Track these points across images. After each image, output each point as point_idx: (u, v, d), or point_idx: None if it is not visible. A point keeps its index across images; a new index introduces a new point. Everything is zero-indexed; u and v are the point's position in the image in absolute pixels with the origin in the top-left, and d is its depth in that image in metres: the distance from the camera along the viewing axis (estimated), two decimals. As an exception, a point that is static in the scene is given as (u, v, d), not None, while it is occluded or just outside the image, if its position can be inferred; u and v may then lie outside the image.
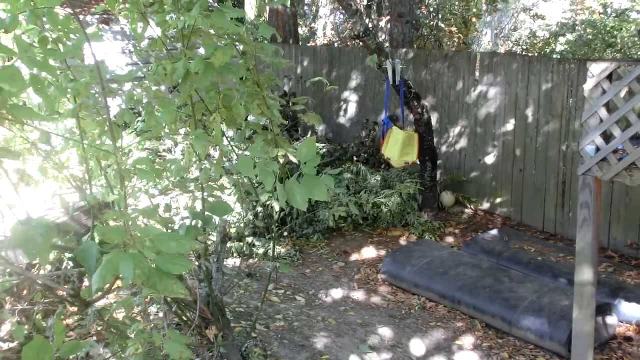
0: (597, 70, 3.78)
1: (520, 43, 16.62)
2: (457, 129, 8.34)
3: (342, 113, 10.14)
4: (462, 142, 8.31)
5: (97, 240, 1.95)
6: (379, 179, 7.88)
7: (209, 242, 5.21)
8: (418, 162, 7.73)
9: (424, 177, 7.78)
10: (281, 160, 2.48)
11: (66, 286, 2.54)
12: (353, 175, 7.92)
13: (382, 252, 6.91)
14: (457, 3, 15.38)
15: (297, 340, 4.64)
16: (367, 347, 4.72)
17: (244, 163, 2.00)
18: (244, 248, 6.65)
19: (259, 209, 6.92)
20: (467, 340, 4.98)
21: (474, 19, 15.42)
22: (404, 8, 11.38)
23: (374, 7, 13.25)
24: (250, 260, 6.53)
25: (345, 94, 10.00)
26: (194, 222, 2.65)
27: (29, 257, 1.84)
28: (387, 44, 11.42)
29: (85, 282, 3.75)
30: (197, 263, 3.80)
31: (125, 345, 2.80)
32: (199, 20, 2.08)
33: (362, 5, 12.72)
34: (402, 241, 7.21)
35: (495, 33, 17.75)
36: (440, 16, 14.77)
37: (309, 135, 9.12)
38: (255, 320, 4.56)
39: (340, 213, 6.91)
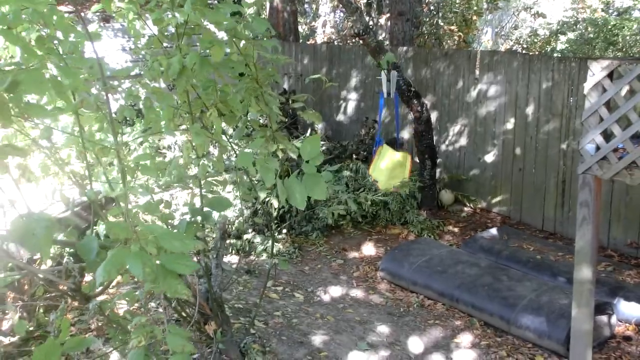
0: (597, 68, 3.78)
1: (521, 42, 16.61)
2: (457, 128, 8.34)
3: (341, 111, 10.13)
4: (462, 141, 8.31)
5: (99, 234, 1.96)
6: (378, 176, 7.87)
7: (209, 239, 5.22)
8: (417, 161, 7.73)
9: (424, 176, 7.78)
10: (280, 156, 2.48)
11: (67, 281, 2.54)
12: (352, 173, 7.91)
13: (381, 250, 6.92)
14: (457, 1, 15.35)
15: (296, 337, 4.64)
16: (366, 345, 4.72)
17: (244, 158, 2.00)
18: (244, 245, 6.65)
19: (259, 206, 6.92)
20: (466, 338, 4.98)
21: (474, 17, 15.39)
22: (404, 6, 11.38)
23: (374, 5, 13.24)
24: (250, 258, 6.54)
25: (345, 92, 9.99)
26: (193, 219, 2.66)
27: (29, 250, 1.84)
28: (387, 43, 11.41)
29: (87, 277, 3.77)
30: (196, 259, 3.81)
31: (126, 340, 2.80)
32: (192, 16, 2.08)
33: (362, 4, 12.71)
34: (401, 239, 7.22)
35: (496, 31, 17.74)
36: (440, 14, 14.75)
37: (308, 133, 9.11)
38: (254, 317, 4.57)
39: (340, 211, 6.92)
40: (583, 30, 14.45)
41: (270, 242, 6.54)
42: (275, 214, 6.86)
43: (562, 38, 15.24)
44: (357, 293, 5.88)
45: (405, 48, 9.28)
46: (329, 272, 6.38)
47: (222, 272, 3.90)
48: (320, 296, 5.75)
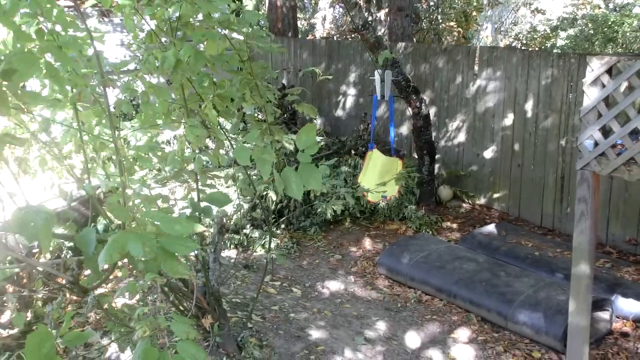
0: (596, 64, 3.77)
1: (521, 38, 16.59)
2: (455, 124, 8.34)
3: (340, 107, 10.12)
4: (461, 137, 8.31)
5: (98, 230, 1.96)
6: (377, 172, 7.87)
7: (207, 234, 5.21)
8: (416, 157, 7.72)
9: (422, 171, 7.78)
10: (277, 148, 2.48)
11: (65, 274, 2.54)
12: (351, 168, 7.91)
13: (379, 246, 6.92)
14: (457, -3, 15.33)
15: (293, 331, 4.65)
16: (363, 339, 4.73)
17: (241, 151, 1.99)
18: (242, 239, 6.66)
19: (257, 200, 6.92)
20: (463, 334, 5.00)
21: (474, 13, 15.38)
22: (403, 2, 11.36)
23: (374, 1, 13.21)
24: (248, 252, 6.55)
25: (344, 87, 9.98)
26: (194, 213, 2.65)
27: (29, 240, 1.85)
28: (386, 38, 11.39)
29: (87, 272, 3.77)
30: (194, 253, 3.81)
31: (125, 332, 2.81)
32: (184, 8, 2.08)
33: (362, -1, 12.67)
34: (400, 235, 7.22)
35: (496, 27, 17.71)
36: (440, 10, 14.74)
37: (307, 128, 9.08)
38: (251, 311, 4.58)
39: (338, 206, 6.90)
40: (583, 27, 14.43)
41: (268, 236, 6.55)
42: (273, 207, 6.86)
43: (562, 34, 15.22)
44: (355, 288, 5.89)
45: (404, 44, 9.26)
46: (327, 267, 6.38)
47: (219, 267, 3.90)
48: (318, 291, 5.76)
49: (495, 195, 7.98)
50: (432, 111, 8.35)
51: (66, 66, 1.89)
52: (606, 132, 3.84)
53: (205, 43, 2.48)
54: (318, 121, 10.40)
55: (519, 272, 5.56)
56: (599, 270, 5.71)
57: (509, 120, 7.65)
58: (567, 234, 6.91)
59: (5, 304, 3.85)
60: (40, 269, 2.67)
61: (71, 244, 4.55)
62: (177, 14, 2.39)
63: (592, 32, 13.89)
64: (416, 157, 7.82)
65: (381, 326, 5.03)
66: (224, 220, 3.97)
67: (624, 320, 5.11)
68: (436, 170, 8.23)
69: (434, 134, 8.16)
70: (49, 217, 1.89)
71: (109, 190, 2.48)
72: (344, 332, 4.82)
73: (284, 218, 7.12)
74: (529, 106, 7.37)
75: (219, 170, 7.10)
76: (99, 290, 3.96)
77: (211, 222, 4.98)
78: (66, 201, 2.92)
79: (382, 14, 12.45)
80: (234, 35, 2.59)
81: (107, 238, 1.94)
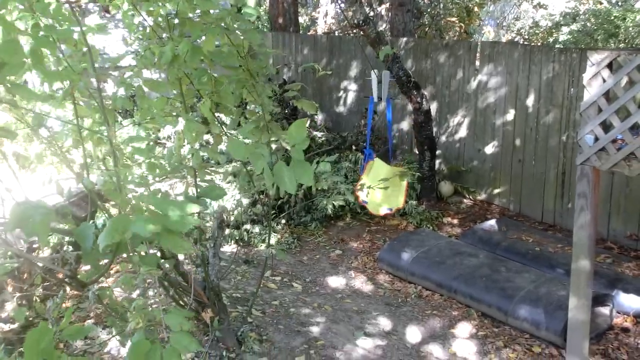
0: (597, 59, 3.76)
1: (523, 33, 16.54)
2: (456, 119, 8.32)
3: (341, 102, 10.11)
4: (462, 132, 8.29)
5: (97, 225, 1.97)
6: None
7: (206, 229, 5.22)
8: (417, 152, 7.71)
9: (423, 167, 7.77)
10: (274, 147, 2.48)
11: (64, 268, 2.55)
12: (352, 164, 7.91)
13: (380, 241, 6.92)
14: (459, -8, 15.27)
15: (293, 326, 4.66)
16: (363, 334, 4.74)
17: (234, 145, 2.00)
18: (242, 235, 6.66)
19: (257, 196, 6.93)
20: (463, 329, 5.00)
21: (476, 9, 15.33)
22: (405, -3, 11.32)
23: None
24: (249, 248, 6.55)
25: (345, 83, 9.96)
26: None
27: (28, 235, 1.85)
28: (387, 33, 11.37)
29: (87, 267, 3.78)
30: (193, 249, 3.81)
31: (125, 327, 2.82)
32: (181, 5, 2.08)
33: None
34: (400, 230, 7.22)
35: (498, 23, 17.66)
36: (442, 5, 14.69)
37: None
38: (251, 306, 4.58)
39: (339, 202, 6.90)
40: (585, 22, 14.37)
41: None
42: (272, 202, 6.86)
43: (565, 29, 15.16)
44: (355, 283, 5.89)
45: (405, 39, 9.24)
46: (327, 263, 6.39)
47: (219, 262, 3.91)
48: (318, 286, 5.76)
49: (496, 191, 7.97)
50: (433, 107, 8.34)
51: (54, 53, 1.89)
52: (606, 127, 3.82)
53: (203, 39, 2.48)
54: (319, 117, 10.39)
55: (519, 268, 5.56)
56: (600, 265, 5.70)
57: (510, 115, 7.63)
58: (568, 230, 6.89)
59: (6, 300, 3.87)
60: (39, 264, 2.68)
61: (72, 239, 4.56)
62: (175, 10, 2.39)
63: (594, 27, 13.83)
64: (417, 152, 7.81)
65: (381, 321, 5.03)
66: (224, 216, 3.98)
67: (625, 316, 5.11)
68: (437, 166, 8.23)
69: (434, 129, 8.15)
70: (47, 212, 1.90)
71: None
72: (344, 327, 4.83)
73: (284, 214, 7.12)
74: (530, 101, 7.36)
75: (221, 166, 7.11)
76: (101, 285, 3.97)
77: (211, 217, 4.99)
78: (64, 196, 2.93)
79: (383, 9, 12.42)
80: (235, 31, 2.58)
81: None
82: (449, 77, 8.35)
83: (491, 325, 5.05)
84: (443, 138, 8.52)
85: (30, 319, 3.96)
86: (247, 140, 2.40)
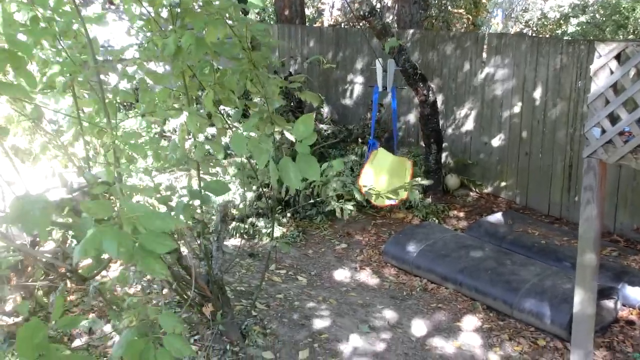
0: (604, 50, 3.70)
1: (531, 25, 16.39)
2: (463, 111, 8.27)
3: (347, 95, 10.06)
4: (468, 125, 8.24)
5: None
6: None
7: (209, 222, 5.22)
8: (423, 145, 7.66)
9: (429, 160, 7.73)
10: (278, 138, 2.46)
11: (65, 262, 2.55)
12: (358, 157, 7.88)
13: (385, 234, 6.90)
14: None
15: (297, 320, 4.66)
16: (368, 327, 4.73)
17: (237, 140, 1.97)
18: (247, 228, 6.66)
19: (262, 190, 6.92)
20: (468, 322, 4.98)
21: (484, 0, 15.20)
22: (412, -12, 11.23)
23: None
24: (254, 241, 6.55)
25: (351, 75, 9.91)
26: (191, 201, 2.65)
27: (27, 231, 1.85)
28: (394, 25, 11.29)
29: (88, 261, 3.78)
30: (197, 242, 3.81)
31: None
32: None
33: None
34: (406, 223, 7.20)
35: (506, 14, 17.51)
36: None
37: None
38: (255, 299, 4.58)
39: (349, 207, 6.83)
40: (594, 14, 14.21)
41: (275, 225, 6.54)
42: (278, 195, 6.84)
43: (574, 21, 14.99)
44: (361, 277, 5.88)
45: (412, 31, 9.17)
46: (332, 256, 6.38)
47: (222, 255, 3.90)
48: (323, 279, 5.76)
49: (503, 184, 7.92)
50: (440, 99, 8.28)
51: (54, 45, 1.88)
52: (614, 119, 3.77)
53: (206, 30, 2.45)
54: (325, 109, 10.35)
55: (525, 261, 5.53)
56: (606, 258, 5.66)
57: (517, 108, 7.57)
58: (575, 223, 6.84)
59: (4, 296, 3.88)
60: (41, 258, 2.68)
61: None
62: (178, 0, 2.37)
63: (603, 18, 13.67)
64: (423, 145, 7.76)
65: (386, 314, 5.02)
66: (227, 209, 3.97)
67: (630, 309, 5.08)
68: (443, 159, 8.18)
69: (441, 122, 8.09)
70: (47, 206, 1.89)
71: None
72: (349, 320, 4.82)
73: (291, 209, 7.11)
74: (537, 94, 7.29)
75: (226, 159, 7.11)
76: (103, 278, 3.99)
77: (214, 210, 4.99)
78: (67, 189, 2.93)
79: (390, 1, 12.33)
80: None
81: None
82: (455, 70, 8.29)
83: (496, 319, 5.03)
84: (449, 131, 8.47)
85: (35, 311, 3.98)
86: (251, 134, 2.38)
